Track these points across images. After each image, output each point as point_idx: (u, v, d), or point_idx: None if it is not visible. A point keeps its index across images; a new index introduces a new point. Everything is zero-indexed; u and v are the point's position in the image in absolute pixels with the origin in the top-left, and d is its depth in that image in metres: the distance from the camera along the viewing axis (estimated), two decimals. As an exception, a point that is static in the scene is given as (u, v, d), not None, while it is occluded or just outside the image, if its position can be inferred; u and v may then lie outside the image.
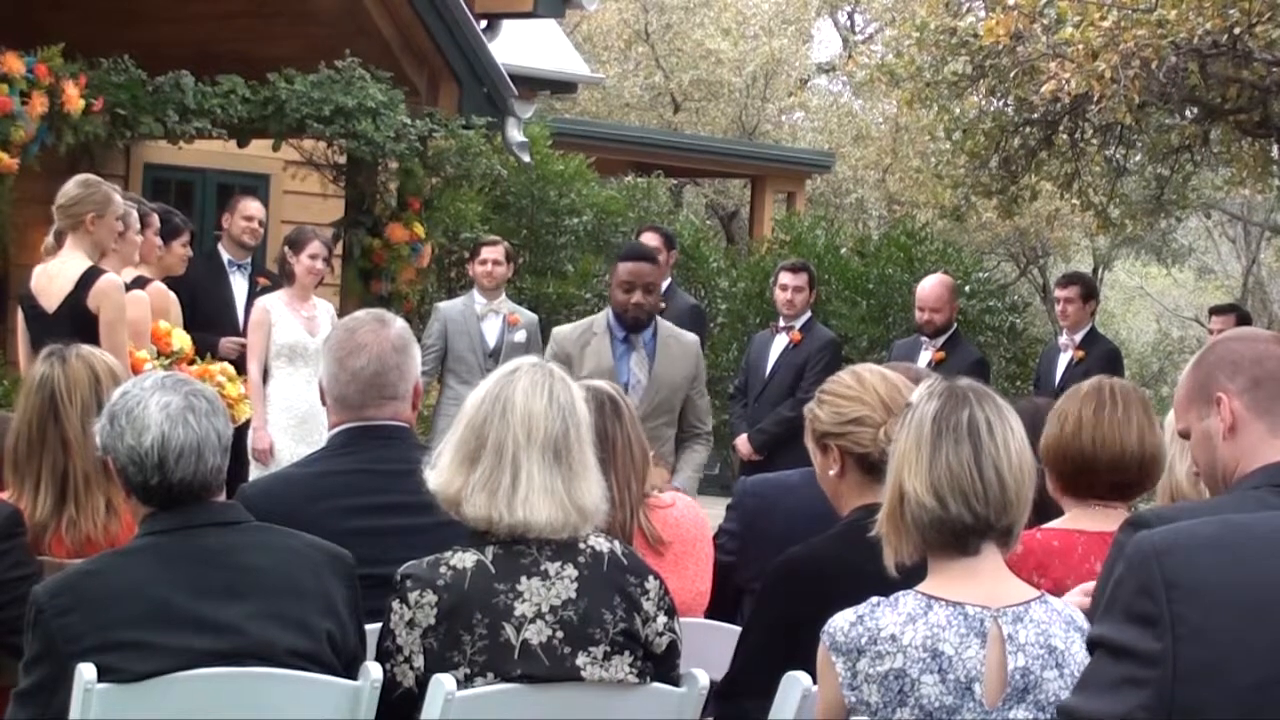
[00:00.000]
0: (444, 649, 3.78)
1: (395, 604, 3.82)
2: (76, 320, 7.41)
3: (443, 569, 3.82)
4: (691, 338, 8.50)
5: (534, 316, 11.34)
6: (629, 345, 8.20)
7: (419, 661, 3.79)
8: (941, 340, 10.96)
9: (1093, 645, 2.99)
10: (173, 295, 8.81)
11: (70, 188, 7.73)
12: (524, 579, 3.81)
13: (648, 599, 3.92)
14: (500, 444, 3.83)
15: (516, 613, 3.79)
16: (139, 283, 8.29)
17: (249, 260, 10.75)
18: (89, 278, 7.63)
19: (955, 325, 11.23)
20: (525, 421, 3.84)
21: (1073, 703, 3.00)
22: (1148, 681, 2.82)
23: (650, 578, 3.94)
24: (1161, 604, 2.84)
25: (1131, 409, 4.51)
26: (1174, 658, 2.81)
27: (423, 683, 3.78)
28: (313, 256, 10.01)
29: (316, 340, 9.86)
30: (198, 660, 3.70)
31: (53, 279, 7.69)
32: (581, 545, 3.89)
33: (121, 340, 7.58)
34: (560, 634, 3.81)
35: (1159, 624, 2.83)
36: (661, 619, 3.94)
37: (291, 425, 9.90)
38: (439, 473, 3.90)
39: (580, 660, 3.82)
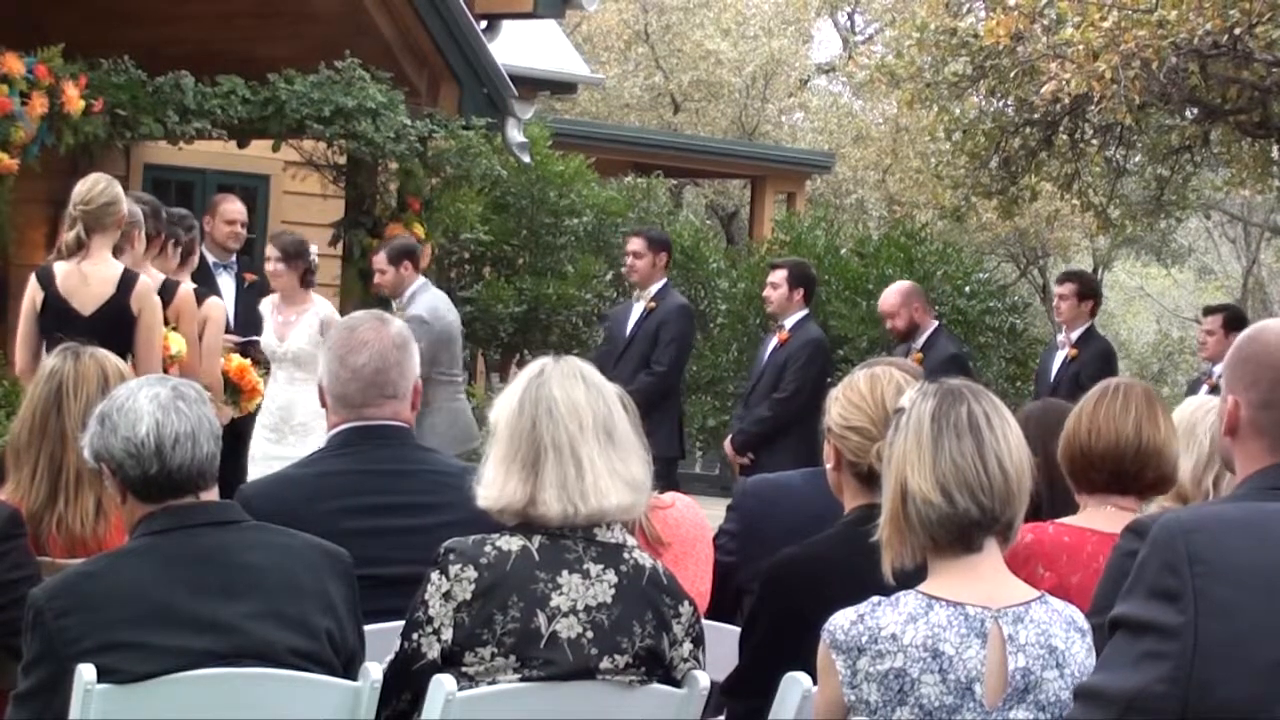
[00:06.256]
0: (475, 625, 3.80)
1: (434, 575, 3.83)
2: (114, 323, 7.33)
3: (487, 548, 3.85)
4: None
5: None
6: None
7: (448, 635, 3.81)
8: (920, 342, 11.01)
9: (1114, 625, 2.99)
10: (214, 300, 8.88)
11: (105, 186, 7.60)
12: (565, 573, 3.85)
13: (679, 622, 3.95)
14: (557, 440, 3.87)
15: (552, 603, 3.82)
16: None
17: (234, 259, 10.79)
18: (129, 280, 7.58)
19: (935, 325, 11.26)
20: (574, 413, 3.89)
21: (1092, 681, 3.00)
22: (1168, 655, 2.83)
23: (685, 602, 3.98)
24: (1186, 579, 2.84)
25: (1131, 401, 4.50)
26: (1195, 631, 2.82)
27: (448, 656, 3.81)
28: (266, 260, 10.12)
29: (285, 345, 9.97)
30: (197, 660, 3.71)
31: (87, 280, 7.57)
32: (626, 555, 3.92)
33: (157, 342, 7.56)
34: (590, 634, 3.84)
35: (1182, 598, 2.84)
36: (688, 645, 3.97)
37: (267, 427, 9.99)
38: (492, 488, 3.91)
39: (604, 664, 3.84)
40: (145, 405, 3.85)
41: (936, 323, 11.37)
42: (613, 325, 11.56)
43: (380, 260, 10.92)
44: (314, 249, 10.28)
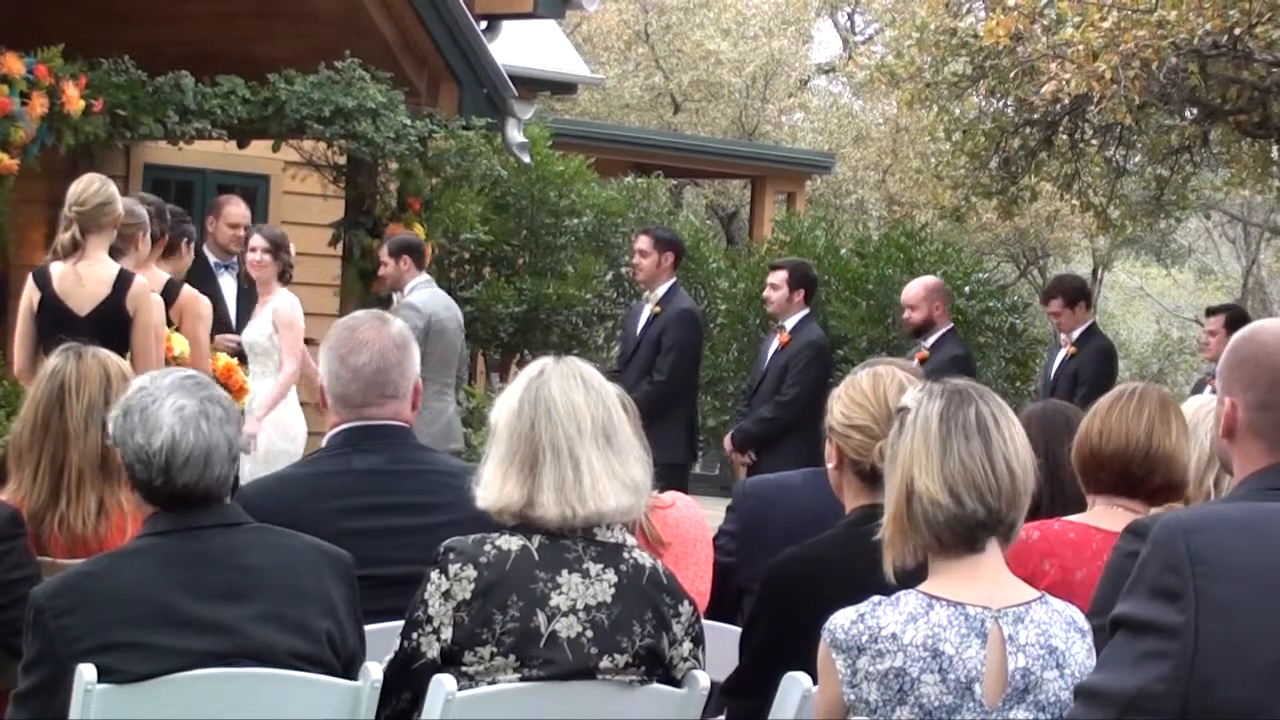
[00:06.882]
0: (474, 625, 3.80)
1: (434, 574, 3.84)
2: (109, 323, 7.32)
3: (487, 547, 3.85)
4: None
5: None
6: None
7: (447, 634, 3.82)
8: (931, 340, 11.01)
9: (1114, 625, 2.99)
10: (204, 299, 8.86)
11: (100, 187, 7.59)
12: (565, 572, 3.85)
13: (679, 622, 3.95)
14: (555, 442, 3.87)
15: (551, 603, 3.83)
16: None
17: (234, 259, 10.80)
18: (124, 281, 7.58)
19: (949, 326, 11.26)
20: (572, 415, 3.89)
21: (1092, 681, 3.00)
22: (1168, 654, 2.83)
23: (685, 602, 3.98)
24: (1187, 579, 2.84)
25: (1146, 405, 4.50)
26: (1196, 631, 2.82)
27: (448, 656, 3.81)
28: (252, 250, 10.08)
29: (249, 336, 9.98)
30: (197, 661, 3.71)
31: (82, 280, 7.56)
32: (626, 555, 3.92)
33: (152, 343, 7.55)
34: (590, 633, 3.84)
35: (1183, 598, 2.84)
36: (688, 645, 3.97)
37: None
38: (490, 489, 3.91)
39: (604, 664, 3.85)
40: (168, 417, 3.81)
41: (950, 325, 11.36)
42: (626, 326, 11.55)
43: (381, 253, 10.99)
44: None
